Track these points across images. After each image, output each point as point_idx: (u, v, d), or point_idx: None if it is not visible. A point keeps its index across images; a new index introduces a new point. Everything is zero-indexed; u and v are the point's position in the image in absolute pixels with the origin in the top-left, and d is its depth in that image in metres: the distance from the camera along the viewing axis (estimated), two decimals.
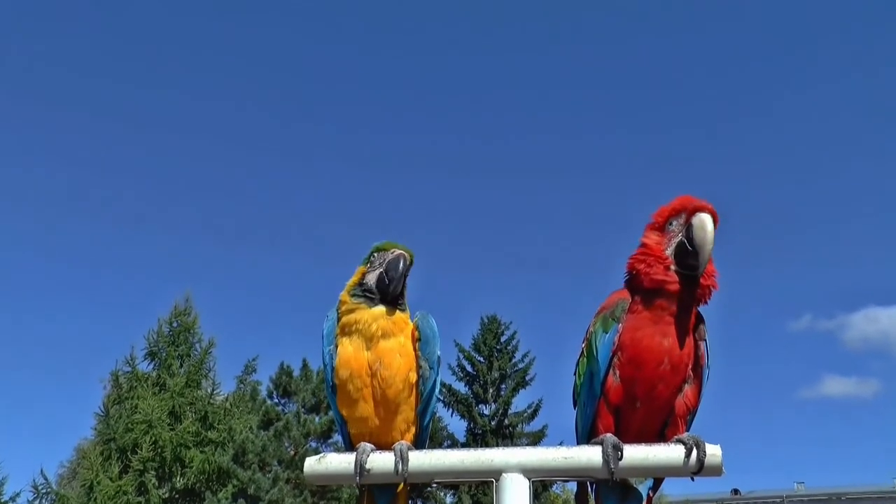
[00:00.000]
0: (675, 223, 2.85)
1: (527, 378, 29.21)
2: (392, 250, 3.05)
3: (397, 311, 3.01)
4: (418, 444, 3.06)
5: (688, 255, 2.79)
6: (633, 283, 2.87)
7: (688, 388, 2.85)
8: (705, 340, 2.89)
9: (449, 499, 28.34)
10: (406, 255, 3.04)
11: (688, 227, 2.81)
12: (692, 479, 2.65)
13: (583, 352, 2.98)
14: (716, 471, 2.57)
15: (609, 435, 2.63)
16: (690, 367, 2.83)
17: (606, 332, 2.84)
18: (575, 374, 3.04)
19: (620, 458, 2.56)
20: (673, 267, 2.79)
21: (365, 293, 3.01)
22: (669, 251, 2.82)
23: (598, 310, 2.95)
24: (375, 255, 3.07)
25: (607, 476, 2.56)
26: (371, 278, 3.02)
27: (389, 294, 2.98)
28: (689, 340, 2.81)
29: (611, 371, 2.83)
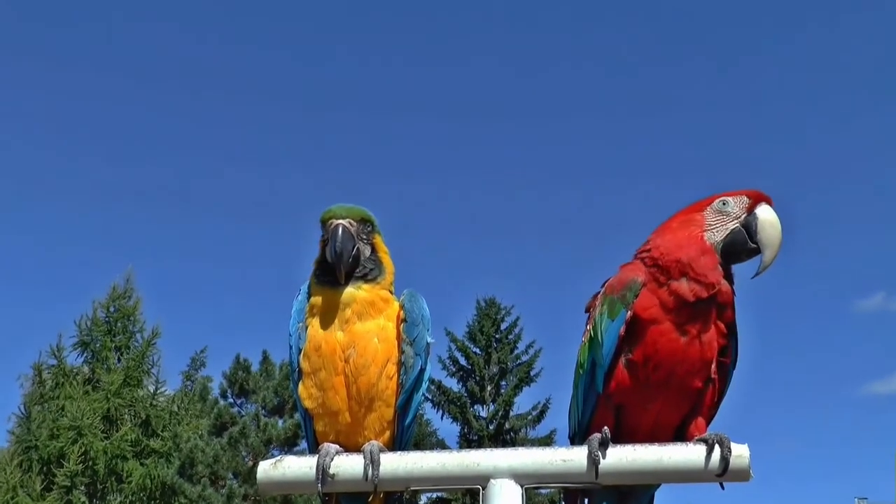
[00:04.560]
0: (732, 204, 2.88)
1: (531, 373, 29.46)
2: (330, 220, 3.04)
3: (377, 287, 3.06)
4: (398, 447, 3.10)
5: (742, 249, 2.84)
6: (656, 262, 2.89)
7: (711, 385, 2.91)
8: (735, 335, 2.94)
9: None
10: (346, 223, 3.02)
11: (751, 215, 2.84)
12: (722, 488, 2.70)
13: (587, 336, 3.03)
14: (742, 475, 2.62)
15: (597, 434, 2.68)
16: (715, 364, 2.88)
17: (613, 319, 2.88)
18: (577, 362, 3.10)
19: (604, 457, 2.62)
20: (720, 263, 2.83)
21: (325, 273, 3.05)
22: (717, 238, 2.85)
23: (606, 287, 2.99)
24: (322, 226, 3.08)
25: (591, 480, 2.63)
26: (328, 254, 3.04)
27: (341, 273, 3.00)
28: (716, 334, 2.86)
29: (619, 365, 2.89)
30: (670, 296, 2.80)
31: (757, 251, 2.84)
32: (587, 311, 3.10)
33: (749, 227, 2.84)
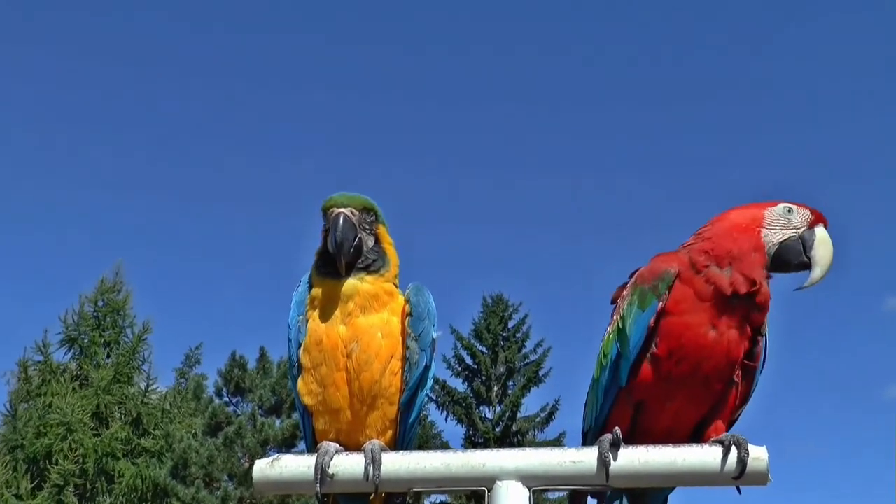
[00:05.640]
0: (796, 213, 2.94)
1: (540, 373, 29.48)
2: (331, 209, 3.05)
3: (381, 280, 3.07)
4: (401, 446, 3.11)
5: (794, 259, 2.90)
6: (706, 249, 2.92)
7: (733, 388, 2.94)
8: (765, 335, 2.96)
9: None
10: (347, 212, 3.03)
11: (810, 230, 2.92)
12: (738, 492, 2.72)
13: (613, 327, 3.05)
14: (760, 478, 2.63)
15: (608, 435, 2.69)
16: (740, 367, 2.91)
17: (643, 310, 2.90)
18: (600, 354, 3.12)
19: (615, 459, 2.63)
20: (767, 266, 2.88)
21: (326, 264, 3.06)
22: (774, 238, 2.91)
23: (636, 277, 3.02)
24: (324, 215, 3.09)
25: (602, 483, 2.64)
26: (329, 244, 3.05)
27: (342, 264, 3.01)
28: (746, 332, 2.89)
29: (643, 358, 2.91)
30: (707, 285, 2.84)
31: (807, 266, 2.90)
32: (613, 301, 3.14)
33: (806, 241, 2.91)
